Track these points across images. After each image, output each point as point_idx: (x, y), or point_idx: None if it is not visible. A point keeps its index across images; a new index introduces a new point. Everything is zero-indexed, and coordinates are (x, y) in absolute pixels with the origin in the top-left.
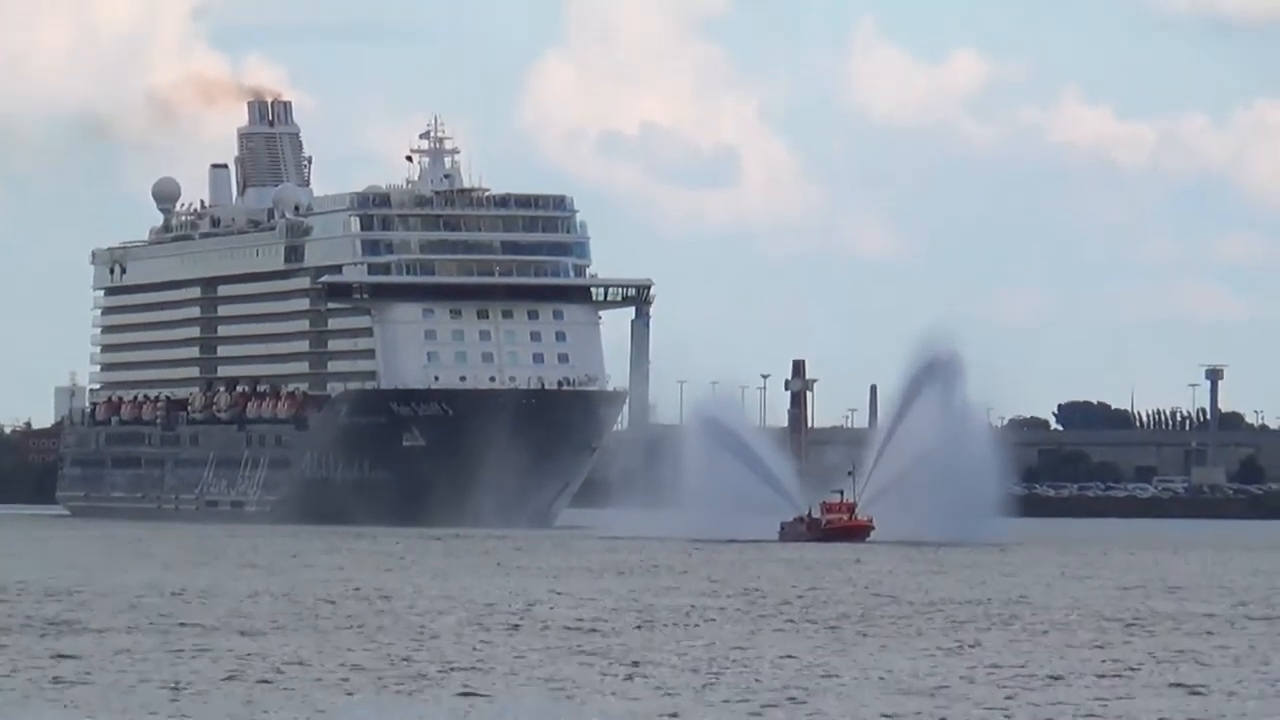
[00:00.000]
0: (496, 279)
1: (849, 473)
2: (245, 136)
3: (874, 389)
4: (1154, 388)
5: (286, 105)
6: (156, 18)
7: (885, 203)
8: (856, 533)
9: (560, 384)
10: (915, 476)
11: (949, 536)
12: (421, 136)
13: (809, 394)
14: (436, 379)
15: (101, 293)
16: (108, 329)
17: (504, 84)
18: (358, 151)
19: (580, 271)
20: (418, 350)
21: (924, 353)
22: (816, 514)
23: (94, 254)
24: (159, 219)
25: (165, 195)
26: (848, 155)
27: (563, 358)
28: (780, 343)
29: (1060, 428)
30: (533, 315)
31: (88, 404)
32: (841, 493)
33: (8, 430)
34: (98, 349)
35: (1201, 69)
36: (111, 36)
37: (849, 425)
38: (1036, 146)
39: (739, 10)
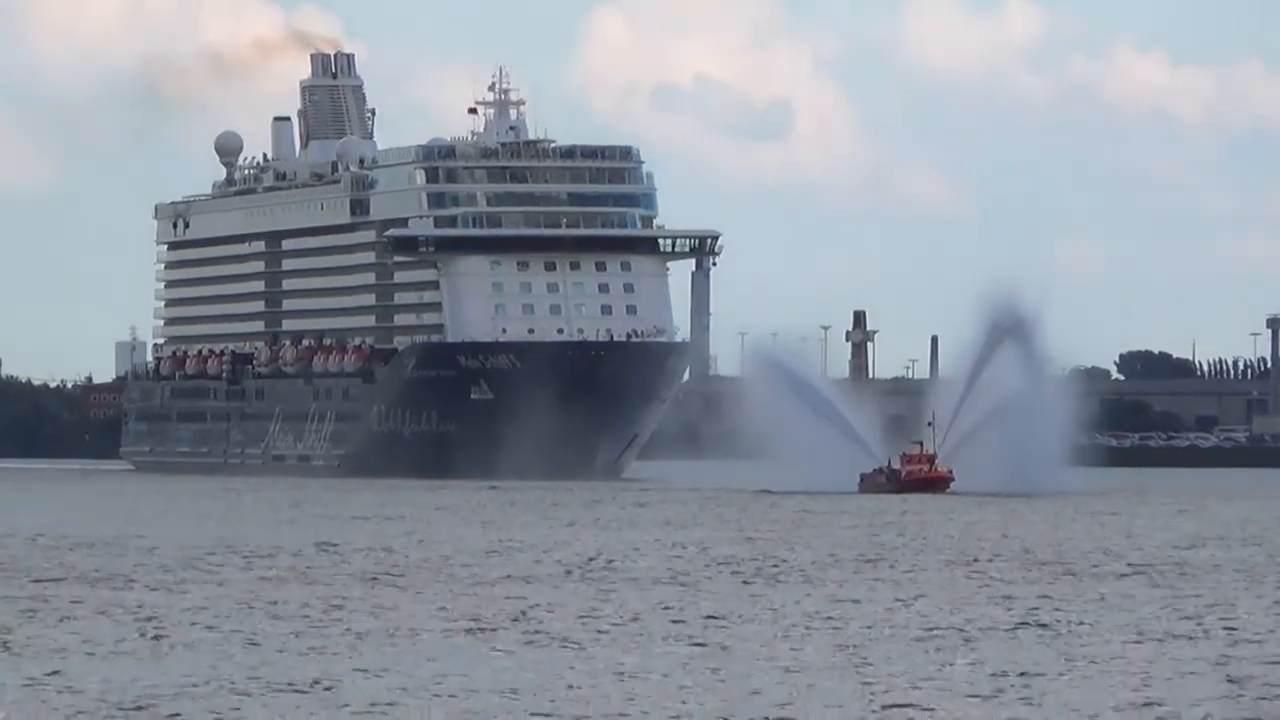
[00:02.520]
0: (564, 231)
1: (928, 424)
2: (308, 89)
3: (935, 340)
4: (1215, 337)
5: (349, 58)
6: None
7: (940, 155)
8: (937, 484)
9: (629, 336)
10: (993, 428)
11: (1025, 487)
12: (489, 89)
13: (870, 345)
14: (504, 331)
15: (164, 247)
16: (171, 284)
17: (556, 38)
18: (412, 103)
19: (647, 223)
20: (485, 303)
21: (998, 307)
22: (896, 465)
23: (157, 209)
24: (221, 173)
25: (228, 149)
26: (902, 107)
27: (630, 309)
28: (837, 294)
29: (1121, 377)
30: (600, 267)
31: (151, 359)
32: (921, 444)
33: (69, 385)
34: (161, 304)
35: (1257, 16)
36: None
37: (910, 376)
38: (1092, 98)
39: None
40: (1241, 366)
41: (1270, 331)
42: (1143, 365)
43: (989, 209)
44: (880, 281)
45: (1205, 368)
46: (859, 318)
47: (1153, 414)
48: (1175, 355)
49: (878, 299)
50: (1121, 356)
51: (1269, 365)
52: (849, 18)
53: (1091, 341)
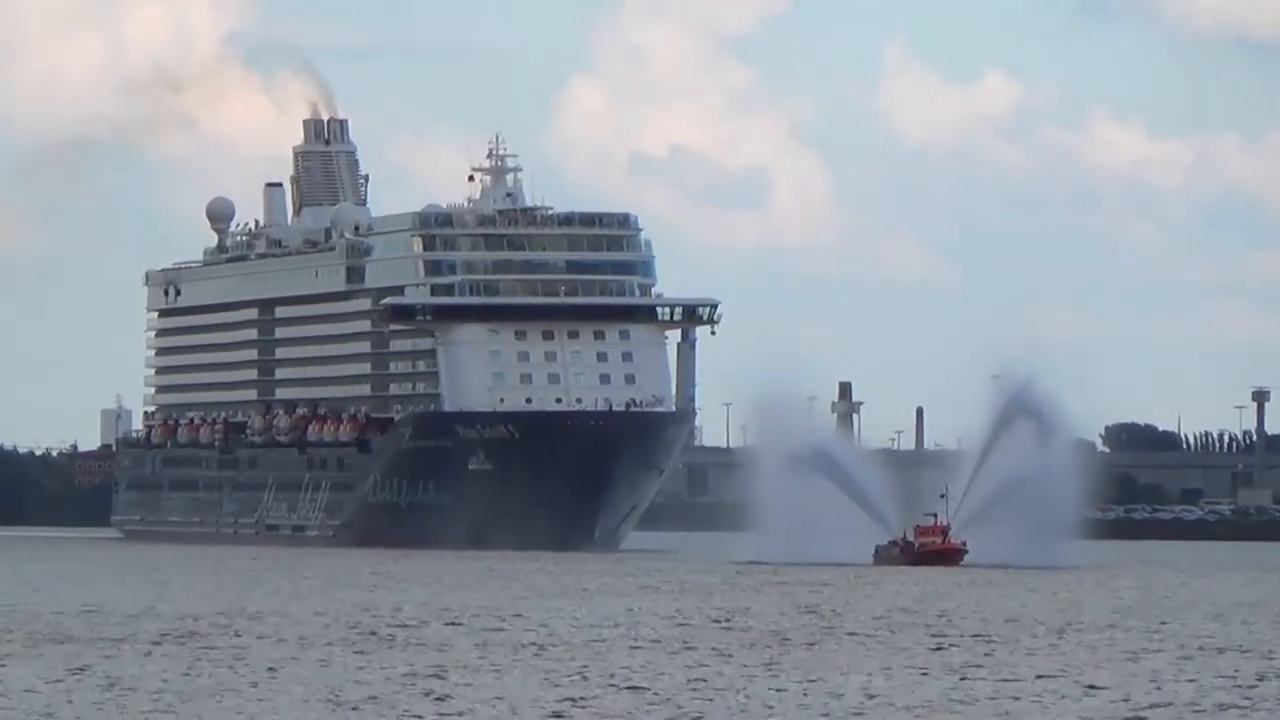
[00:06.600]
0: (561, 299)
1: (941, 495)
2: (301, 155)
3: (920, 411)
4: (1201, 410)
5: (343, 124)
6: (188, 43)
7: (918, 224)
8: (951, 556)
9: (627, 405)
10: (1007, 501)
11: (1035, 560)
12: (486, 156)
13: (856, 416)
14: (501, 401)
15: (155, 314)
16: (162, 351)
17: (533, 107)
18: (398, 169)
19: (645, 291)
20: (482, 372)
21: (1014, 381)
22: (910, 537)
23: (147, 275)
24: (213, 239)
25: (219, 215)
26: (879, 176)
27: (629, 378)
28: (820, 364)
29: (1106, 450)
30: (598, 336)
31: (141, 426)
32: (935, 515)
33: (54, 453)
34: (151, 371)
35: (1230, 88)
36: (143, 59)
37: (896, 447)
38: (1068, 168)
39: (769, 31)
40: (1227, 440)
41: (1255, 404)
42: (1128, 438)
43: (969, 279)
44: (863, 351)
45: (1191, 440)
46: (844, 389)
47: (1138, 487)
48: (1161, 428)
49: (860, 369)
50: (1107, 429)
51: (1254, 438)
52: (825, 87)
53: (1079, 414)
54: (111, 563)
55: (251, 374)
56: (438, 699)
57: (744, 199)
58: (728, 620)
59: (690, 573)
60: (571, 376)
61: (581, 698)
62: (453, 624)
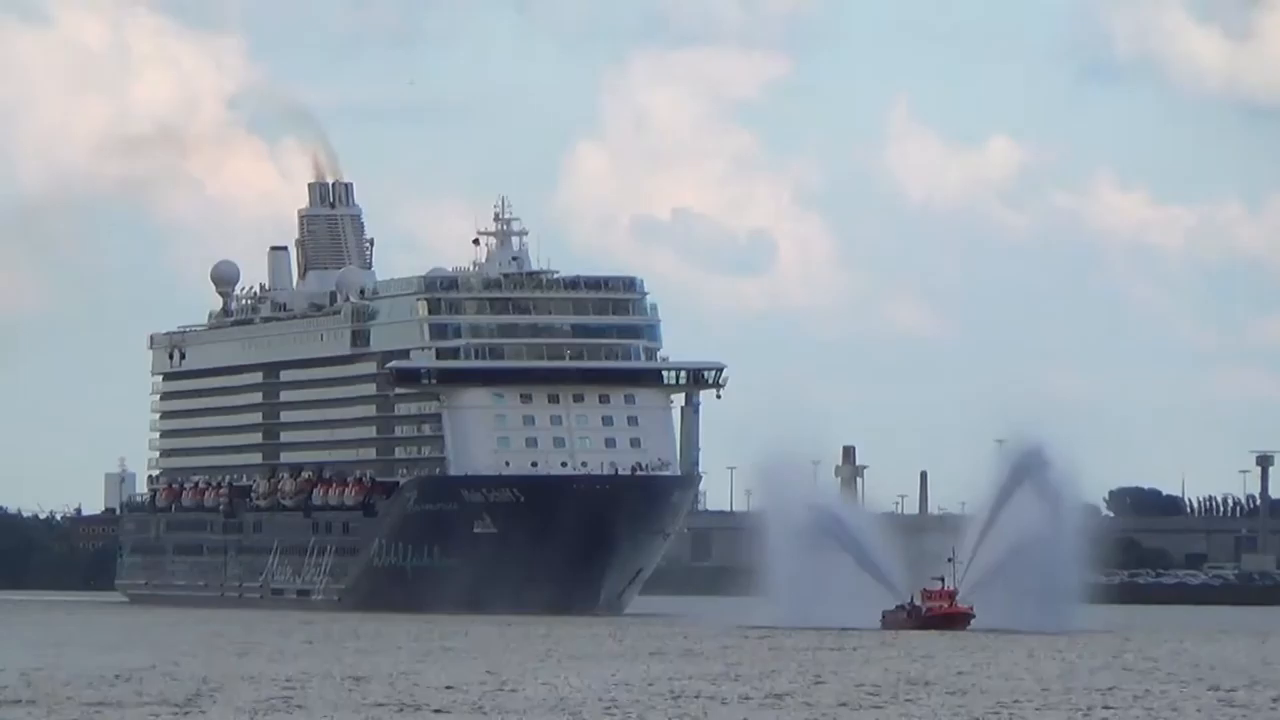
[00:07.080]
0: (567, 363)
1: (949, 559)
2: (306, 219)
3: (924, 475)
4: (1205, 474)
5: (348, 187)
6: (194, 105)
7: (922, 288)
8: (957, 620)
9: (633, 469)
10: (1013, 565)
11: (1041, 625)
12: (493, 219)
13: (859, 480)
14: (507, 465)
15: (160, 378)
16: (166, 414)
17: (538, 171)
18: (402, 233)
19: (651, 354)
20: (488, 436)
21: (1021, 445)
22: (917, 601)
23: (152, 339)
24: (217, 303)
25: (224, 279)
26: (884, 240)
27: (635, 442)
28: (823, 428)
29: (1110, 514)
30: (604, 399)
31: (145, 490)
32: (942, 580)
33: (58, 517)
34: (156, 434)
35: (1234, 153)
36: (148, 120)
37: (899, 511)
38: (1072, 231)
39: (772, 95)
40: (1230, 504)
41: (1259, 469)
42: (1132, 502)
43: (973, 343)
44: (866, 415)
45: (1195, 505)
46: (848, 452)
47: (1142, 551)
48: (1165, 492)
49: (864, 433)
50: (1111, 493)
51: (1258, 503)
52: (829, 150)
53: (1084, 478)
54: (116, 626)
55: (256, 437)
56: None
57: (748, 262)
58: (733, 681)
59: (697, 639)
60: (577, 440)
61: None
62: (450, 687)
